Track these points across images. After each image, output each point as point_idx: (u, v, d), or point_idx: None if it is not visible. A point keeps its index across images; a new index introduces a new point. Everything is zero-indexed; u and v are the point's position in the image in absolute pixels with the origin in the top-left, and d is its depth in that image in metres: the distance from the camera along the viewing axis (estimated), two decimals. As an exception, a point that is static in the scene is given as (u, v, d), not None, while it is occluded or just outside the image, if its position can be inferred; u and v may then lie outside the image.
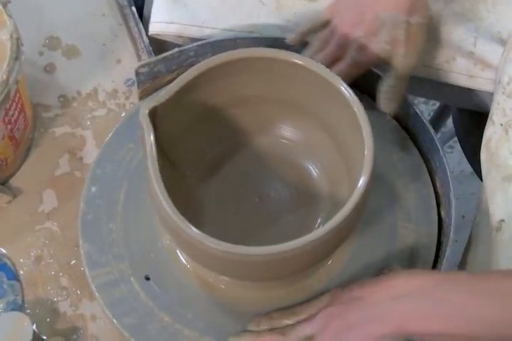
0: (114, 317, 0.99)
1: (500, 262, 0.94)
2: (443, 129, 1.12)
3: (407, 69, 0.98)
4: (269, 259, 0.84)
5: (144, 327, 0.98)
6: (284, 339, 0.85)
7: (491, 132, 1.02)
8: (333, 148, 1.02)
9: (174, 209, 0.86)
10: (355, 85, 1.00)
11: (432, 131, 1.09)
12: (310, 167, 1.06)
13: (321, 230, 0.85)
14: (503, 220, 0.95)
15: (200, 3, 1.19)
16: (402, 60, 0.97)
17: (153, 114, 0.91)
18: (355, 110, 0.91)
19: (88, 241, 1.04)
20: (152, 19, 1.21)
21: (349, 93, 0.92)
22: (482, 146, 1.05)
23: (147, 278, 1.02)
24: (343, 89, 0.92)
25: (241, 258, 0.85)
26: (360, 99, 0.92)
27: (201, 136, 1.05)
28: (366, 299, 0.84)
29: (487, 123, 1.04)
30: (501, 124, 1.01)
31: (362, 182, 0.87)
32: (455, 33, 1.10)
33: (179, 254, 1.04)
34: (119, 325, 0.98)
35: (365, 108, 0.91)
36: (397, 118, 1.15)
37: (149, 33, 1.23)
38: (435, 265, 1.03)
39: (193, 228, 0.85)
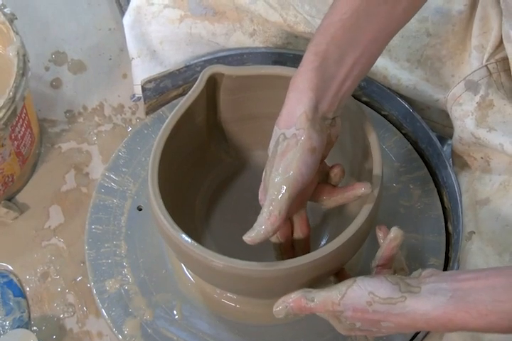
0: (119, 334, 0.99)
1: (468, 269, 0.99)
2: (449, 141, 1.12)
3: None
4: (275, 276, 0.84)
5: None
6: (310, 304, 0.82)
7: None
8: (339, 161, 1.02)
9: (183, 235, 0.86)
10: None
11: (438, 145, 1.08)
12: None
13: (329, 246, 0.84)
14: (474, 232, 1.02)
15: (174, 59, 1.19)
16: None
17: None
18: (363, 126, 0.91)
19: (94, 258, 1.04)
20: (134, 82, 1.21)
21: (358, 107, 0.92)
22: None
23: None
24: (353, 104, 0.92)
25: (250, 273, 0.84)
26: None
27: (207, 154, 1.05)
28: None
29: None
30: (481, 157, 1.06)
31: (372, 197, 0.87)
32: None
33: (185, 271, 1.04)
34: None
35: (373, 122, 0.91)
36: (404, 133, 1.15)
37: (136, 96, 1.23)
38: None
39: (198, 245, 0.85)
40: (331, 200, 0.88)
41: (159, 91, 1.17)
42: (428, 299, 0.74)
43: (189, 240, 0.85)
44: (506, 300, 0.71)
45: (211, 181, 1.08)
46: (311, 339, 1.00)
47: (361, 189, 0.84)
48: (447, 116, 1.10)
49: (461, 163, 1.10)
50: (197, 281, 1.03)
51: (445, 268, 1.04)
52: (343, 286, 0.79)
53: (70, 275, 1.11)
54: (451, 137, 1.11)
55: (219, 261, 0.84)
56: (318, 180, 0.88)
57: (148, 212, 0.95)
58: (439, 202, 1.09)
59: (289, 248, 0.92)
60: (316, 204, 0.92)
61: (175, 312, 1.01)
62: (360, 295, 0.77)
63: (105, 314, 1.01)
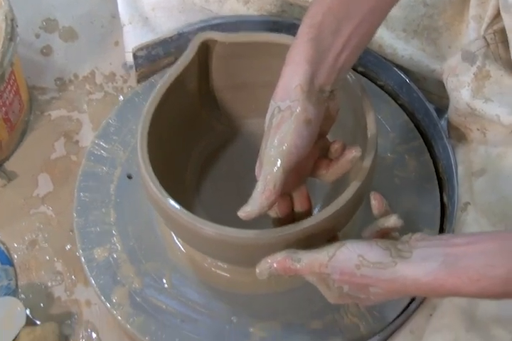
0: (107, 302, 0.98)
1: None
2: (446, 115, 1.11)
3: None
4: (267, 243, 0.82)
5: (138, 314, 0.97)
6: (296, 265, 0.79)
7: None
8: (333, 130, 1.00)
9: (173, 202, 0.85)
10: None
11: (435, 115, 1.07)
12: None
13: (323, 213, 0.83)
14: (469, 203, 1.00)
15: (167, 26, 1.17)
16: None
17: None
18: (358, 93, 0.89)
19: (82, 226, 1.03)
20: (126, 49, 1.19)
21: (352, 78, 0.90)
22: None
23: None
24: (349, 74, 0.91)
25: (240, 241, 0.83)
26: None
27: (199, 121, 1.04)
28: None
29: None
30: (477, 129, 1.05)
31: (367, 161, 0.85)
32: None
33: (175, 240, 1.02)
34: (113, 310, 0.97)
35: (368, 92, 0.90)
36: (400, 103, 1.13)
37: (128, 64, 1.21)
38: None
39: (188, 212, 0.84)
40: (329, 174, 0.86)
41: (151, 59, 1.15)
42: (419, 264, 0.73)
43: (178, 206, 0.84)
44: (498, 264, 0.70)
45: (202, 149, 1.06)
46: (303, 309, 0.99)
47: (352, 152, 0.82)
48: (443, 86, 1.08)
49: (457, 134, 1.08)
50: (187, 250, 1.02)
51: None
52: (331, 248, 0.77)
53: (58, 244, 1.10)
54: (447, 108, 1.10)
55: (209, 228, 0.83)
56: (319, 155, 0.87)
57: (138, 180, 0.93)
58: (434, 173, 1.08)
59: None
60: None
61: (164, 281, 1.00)
62: (349, 257, 0.76)
63: (93, 282, 0.99)
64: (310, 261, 0.77)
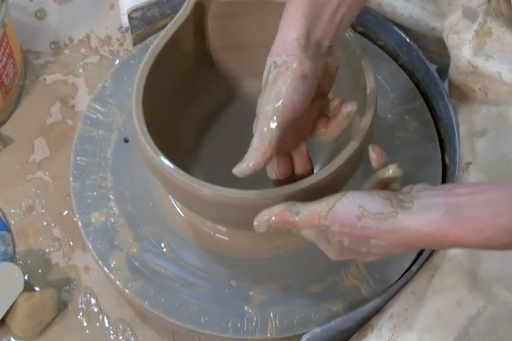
0: (105, 267, 0.97)
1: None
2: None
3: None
4: (267, 204, 0.81)
5: (137, 278, 0.96)
6: (294, 218, 0.77)
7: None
8: (333, 92, 0.98)
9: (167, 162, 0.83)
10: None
11: (435, 75, 1.05)
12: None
13: (322, 172, 0.81)
14: (471, 163, 0.99)
15: None
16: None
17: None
18: (357, 52, 0.88)
19: (79, 190, 1.02)
20: (121, 12, 1.17)
21: (351, 36, 0.88)
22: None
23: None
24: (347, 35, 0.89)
25: (239, 202, 0.82)
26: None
27: (196, 83, 1.02)
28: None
29: None
30: (479, 88, 1.03)
31: (367, 119, 0.84)
32: None
33: (173, 203, 1.01)
34: (111, 275, 0.96)
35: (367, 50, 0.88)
36: (400, 63, 1.11)
37: (124, 26, 1.19)
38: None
39: (184, 173, 0.83)
40: (328, 132, 0.84)
41: (146, 21, 1.12)
42: (421, 215, 0.71)
43: (173, 166, 0.82)
44: (503, 214, 0.68)
45: (200, 112, 1.04)
46: (302, 272, 0.98)
47: (347, 108, 0.80)
48: (444, 45, 1.06)
49: (458, 94, 1.06)
50: (185, 214, 1.01)
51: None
52: (331, 199, 0.75)
53: (55, 209, 1.09)
54: (447, 68, 1.08)
55: (206, 189, 0.81)
56: (319, 115, 0.85)
57: (135, 143, 0.92)
58: (435, 134, 1.06)
59: None
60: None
61: (162, 245, 0.99)
62: (350, 208, 0.73)
63: (91, 247, 0.98)
64: (309, 213, 0.75)
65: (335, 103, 0.83)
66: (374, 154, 0.80)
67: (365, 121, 0.83)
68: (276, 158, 0.85)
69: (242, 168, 0.75)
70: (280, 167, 0.86)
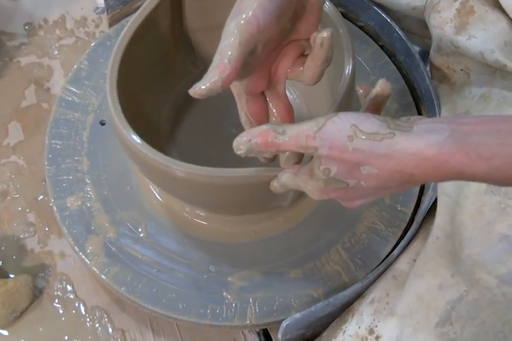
0: (81, 252, 0.95)
1: None
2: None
3: None
4: (244, 183, 0.79)
5: (113, 264, 0.94)
6: (279, 138, 0.69)
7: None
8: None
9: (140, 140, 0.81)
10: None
11: (417, 56, 1.04)
12: (288, 94, 1.00)
13: None
14: None
15: None
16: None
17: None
18: (335, 21, 0.85)
19: (54, 174, 0.99)
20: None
21: (330, 9, 0.86)
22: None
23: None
24: (326, 7, 0.86)
25: (214, 181, 0.79)
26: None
27: (174, 66, 1.00)
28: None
29: None
30: (461, 69, 1.02)
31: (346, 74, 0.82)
32: None
33: (151, 188, 0.99)
34: (87, 261, 0.95)
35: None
36: (381, 45, 1.10)
37: (100, 8, 1.18)
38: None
39: (159, 153, 0.80)
40: (306, 69, 0.77)
41: (123, 1, 1.10)
42: (422, 137, 0.63)
43: (146, 145, 0.80)
44: None
45: (177, 95, 1.02)
46: (282, 257, 0.96)
47: (323, 34, 0.73)
48: (425, 26, 1.04)
49: (440, 75, 1.04)
50: (163, 198, 0.99)
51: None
52: (322, 118, 0.67)
53: (30, 194, 1.07)
54: (429, 49, 1.06)
55: (178, 167, 0.79)
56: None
57: (112, 127, 0.89)
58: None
59: None
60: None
61: (140, 230, 0.97)
62: (341, 128, 0.66)
63: (66, 232, 0.97)
64: (296, 133, 0.68)
65: (314, 38, 0.76)
66: (362, 90, 0.74)
67: (345, 76, 0.82)
68: (247, 96, 0.79)
69: (198, 87, 0.67)
70: (250, 106, 0.79)
